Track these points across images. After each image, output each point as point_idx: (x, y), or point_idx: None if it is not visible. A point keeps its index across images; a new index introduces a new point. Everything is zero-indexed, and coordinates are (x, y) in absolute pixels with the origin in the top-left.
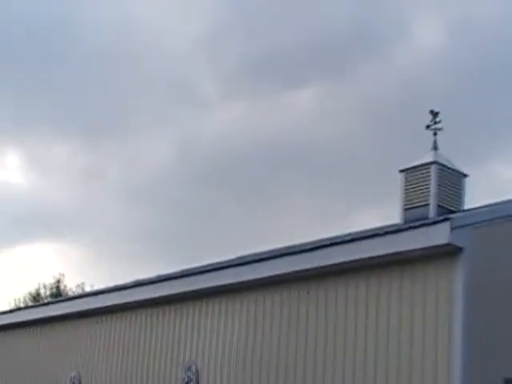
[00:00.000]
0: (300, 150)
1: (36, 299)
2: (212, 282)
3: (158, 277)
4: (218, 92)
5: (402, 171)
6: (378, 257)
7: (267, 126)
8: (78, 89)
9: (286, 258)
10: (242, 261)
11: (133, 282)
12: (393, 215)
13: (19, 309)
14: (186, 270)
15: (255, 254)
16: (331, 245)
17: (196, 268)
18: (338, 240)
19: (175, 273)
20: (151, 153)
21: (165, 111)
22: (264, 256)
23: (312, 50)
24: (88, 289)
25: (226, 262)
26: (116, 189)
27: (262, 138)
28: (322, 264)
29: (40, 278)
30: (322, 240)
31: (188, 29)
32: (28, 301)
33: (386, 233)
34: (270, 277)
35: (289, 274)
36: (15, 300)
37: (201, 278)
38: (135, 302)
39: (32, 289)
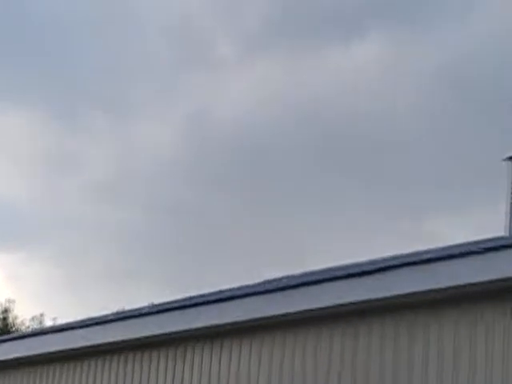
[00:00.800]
0: (352, 128)
1: None
2: None
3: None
4: (237, 52)
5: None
6: None
7: (304, 96)
8: (47, 44)
9: None
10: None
11: (113, 315)
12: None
13: None
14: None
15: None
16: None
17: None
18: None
19: (168, 303)
20: (146, 135)
21: (166, 78)
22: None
23: None
24: (49, 323)
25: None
26: (95, 182)
27: (297, 113)
28: None
29: None
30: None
31: None
32: None
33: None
34: None
35: None
36: None
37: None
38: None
39: None
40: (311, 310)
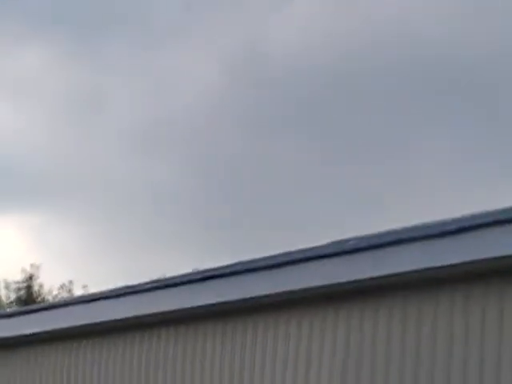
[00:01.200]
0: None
1: None
2: None
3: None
4: None
5: None
6: None
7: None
8: None
9: None
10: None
11: (153, 281)
12: None
13: None
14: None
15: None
16: None
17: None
18: None
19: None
20: (183, 73)
21: (201, 6)
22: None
23: None
24: (79, 291)
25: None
26: (124, 130)
27: (373, 47)
28: None
29: (1, 273)
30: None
31: None
32: None
33: None
34: None
35: None
36: None
37: None
38: (160, 313)
39: None
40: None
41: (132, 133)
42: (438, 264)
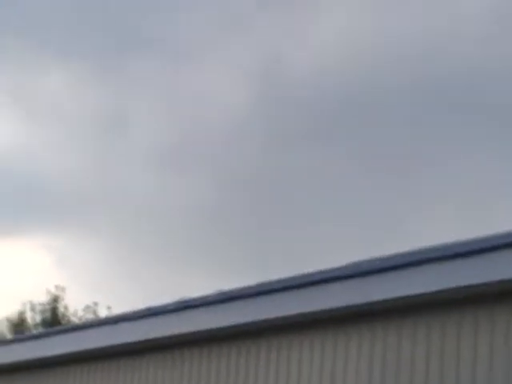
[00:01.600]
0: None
1: (19, 329)
2: None
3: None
4: None
5: None
6: None
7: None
8: None
9: None
10: None
11: (177, 303)
12: None
13: None
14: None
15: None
16: None
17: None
18: None
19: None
20: (210, 88)
21: (233, 19)
22: None
23: None
24: (103, 312)
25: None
26: (148, 149)
27: (406, 60)
28: None
29: (26, 295)
30: None
31: None
32: (7, 332)
33: None
34: None
35: None
36: None
37: None
38: (183, 335)
39: (13, 312)
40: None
41: (156, 152)
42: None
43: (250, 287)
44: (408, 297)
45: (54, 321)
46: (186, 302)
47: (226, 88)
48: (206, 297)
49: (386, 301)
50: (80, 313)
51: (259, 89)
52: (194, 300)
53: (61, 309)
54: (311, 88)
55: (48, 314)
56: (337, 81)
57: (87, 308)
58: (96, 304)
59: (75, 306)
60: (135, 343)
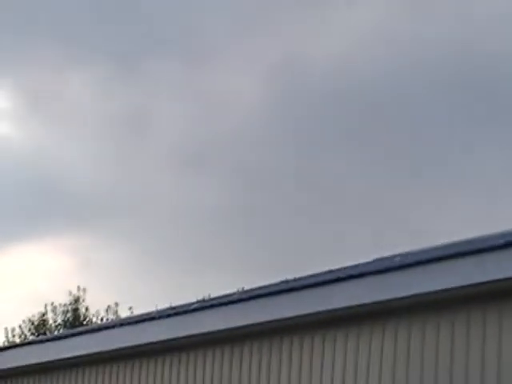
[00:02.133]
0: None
1: (40, 330)
2: None
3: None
4: None
5: None
6: None
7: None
8: None
9: None
10: None
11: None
12: None
13: (15, 346)
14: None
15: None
16: None
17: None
18: None
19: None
20: (228, 91)
21: (248, 18)
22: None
23: None
24: (124, 313)
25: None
26: (171, 149)
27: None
28: None
29: (47, 296)
30: None
31: None
32: (28, 333)
33: None
34: None
35: None
36: (8, 332)
37: None
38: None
39: (34, 313)
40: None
41: (178, 152)
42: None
43: (272, 285)
44: (430, 293)
45: (75, 322)
46: (209, 301)
47: (249, 87)
48: (228, 296)
49: (406, 298)
50: (102, 313)
51: (283, 87)
52: (217, 299)
53: (82, 310)
54: (336, 86)
55: (69, 315)
56: (365, 77)
57: (109, 309)
58: (117, 304)
59: (97, 307)
60: (158, 343)
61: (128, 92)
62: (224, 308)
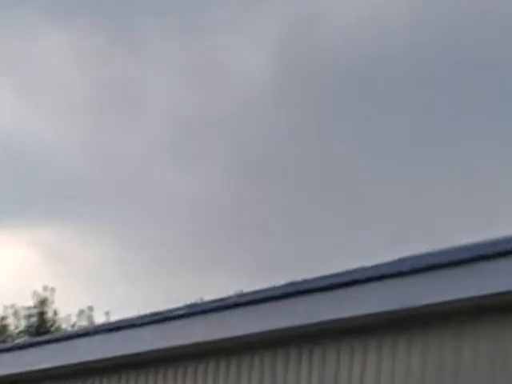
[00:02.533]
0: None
1: (1, 337)
2: None
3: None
4: None
5: None
6: None
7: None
8: None
9: None
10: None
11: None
12: None
13: None
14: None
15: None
16: None
17: None
18: None
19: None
20: (231, 64)
21: None
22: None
23: None
24: (100, 319)
25: None
26: (163, 131)
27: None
28: None
29: (7, 297)
30: None
31: None
32: None
33: None
34: None
35: None
36: None
37: None
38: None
39: None
40: None
41: (171, 137)
42: None
43: (275, 288)
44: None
45: (41, 328)
46: (199, 305)
47: (250, 61)
48: (223, 300)
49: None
50: (73, 319)
51: (283, 60)
52: (209, 303)
53: (49, 314)
54: (346, 65)
55: (34, 320)
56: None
57: (81, 313)
58: (91, 309)
59: (67, 311)
60: (138, 354)
61: (118, 62)
62: (218, 314)
